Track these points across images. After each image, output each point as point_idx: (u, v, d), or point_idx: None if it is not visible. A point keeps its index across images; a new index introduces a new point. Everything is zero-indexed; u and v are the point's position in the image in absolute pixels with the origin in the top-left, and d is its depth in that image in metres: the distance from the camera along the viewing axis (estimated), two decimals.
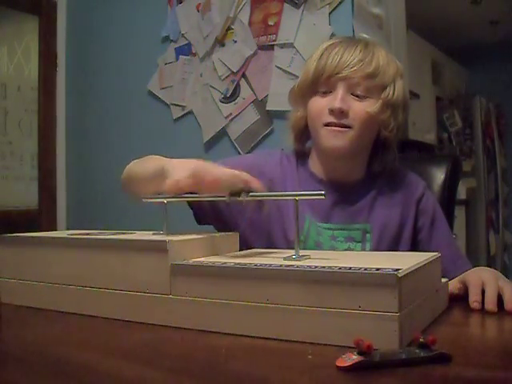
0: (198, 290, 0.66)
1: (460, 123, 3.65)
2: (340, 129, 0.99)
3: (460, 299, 0.79)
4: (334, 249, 1.01)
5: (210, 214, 1.05)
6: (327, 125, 1.00)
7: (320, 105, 1.01)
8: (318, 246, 1.01)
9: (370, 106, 1.00)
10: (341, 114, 0.98)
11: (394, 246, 1.03)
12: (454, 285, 0.82)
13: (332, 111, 0.99)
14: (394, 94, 1.02)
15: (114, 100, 2.45)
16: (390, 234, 1.04)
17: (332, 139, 1.00)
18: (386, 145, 1.07)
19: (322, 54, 1.02)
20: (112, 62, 2.47)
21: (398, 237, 1.05)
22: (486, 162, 3.66)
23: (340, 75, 0.99)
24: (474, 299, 0.75)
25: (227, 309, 0.64)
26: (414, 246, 1.06)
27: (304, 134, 1.10)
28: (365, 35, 1.74)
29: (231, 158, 1.18)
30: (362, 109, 0.99)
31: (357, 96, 1.00)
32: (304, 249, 0.93)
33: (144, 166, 0.96)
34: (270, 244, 1.02)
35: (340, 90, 0.99)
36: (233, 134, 2.06)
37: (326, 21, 1.85)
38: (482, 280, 0.78)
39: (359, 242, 1.03)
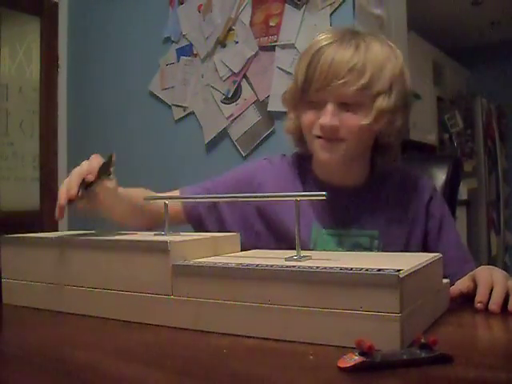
0: (199, 290, 0.66)
1: (461, 124, 3.65)
2: (332, 143, 0.95)
3: (465, 299, 0.78)
4: None
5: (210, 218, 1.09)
6: (319, 137, 0.96)
7: (310, 118, 0.97)
8: None
9: (363, 118, 0.93)
10: (331, 130, 0.94)
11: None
12: (464, 283, 0.79)
13: (322, 127, 0.94)
14: (390, 100, 0.93)
15: (116, 101, 2.45)
16: (398, 240, 1.01)
17: (324, 152, 0.97)
18: (387, 147, 1.03)
19: (310, 61, 0.94)
20: (113, 63, 2.47)
21: (407, 243, 1.02)
22: (487, 163, 3.66)
23: (329, 87, 0.92)
24: (479, 299, 0.74)
25: (228, 309, 0.64)
26: (424, 250, 1.02)
27: (302, 138, 1.06)
28: None
29: (224, 174, 1.14)
30: (354, 123, 0.93)
31: (349, 106, 0.93)
32: None
33: None
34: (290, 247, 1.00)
35: (329, 106, 0.93)
36: (234, 135, 2.06)
37: (327, 22, 1.85)
38: (492, 279, 0.77)
39: (367, 248, 1.00)
